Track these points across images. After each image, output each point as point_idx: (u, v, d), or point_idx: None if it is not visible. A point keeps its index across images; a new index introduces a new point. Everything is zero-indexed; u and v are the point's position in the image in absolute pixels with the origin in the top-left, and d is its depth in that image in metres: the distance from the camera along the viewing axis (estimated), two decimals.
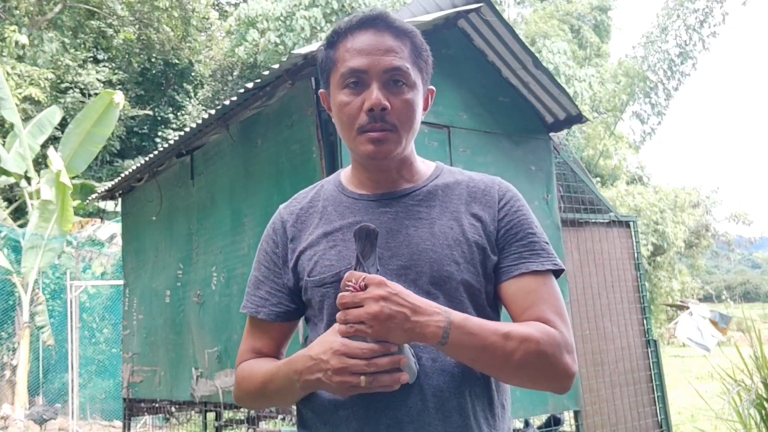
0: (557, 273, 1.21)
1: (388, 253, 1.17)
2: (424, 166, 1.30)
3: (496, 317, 1.23)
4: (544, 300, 1.15)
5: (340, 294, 1.03)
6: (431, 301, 1.12)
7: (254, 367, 1.24)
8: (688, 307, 11.73)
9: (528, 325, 1.11)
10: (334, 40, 1.22)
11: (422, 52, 1.23)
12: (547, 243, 1.22)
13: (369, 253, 1.06)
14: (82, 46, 15.69)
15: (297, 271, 1.24)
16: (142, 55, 16.88)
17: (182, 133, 4.59)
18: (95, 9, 15.85)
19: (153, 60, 16.91)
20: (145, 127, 15.77)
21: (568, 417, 4.65)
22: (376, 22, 1.19)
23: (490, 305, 1.21)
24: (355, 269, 1.06)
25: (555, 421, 4.38)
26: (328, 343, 1.06)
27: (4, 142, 10.92)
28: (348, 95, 1.18)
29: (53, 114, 10.79)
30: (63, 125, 11.45)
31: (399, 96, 1.17)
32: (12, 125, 10.23)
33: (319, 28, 14.23)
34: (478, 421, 1.14)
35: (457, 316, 1.06)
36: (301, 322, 1.33)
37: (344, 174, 1.32)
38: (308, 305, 1.25)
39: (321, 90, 1.29)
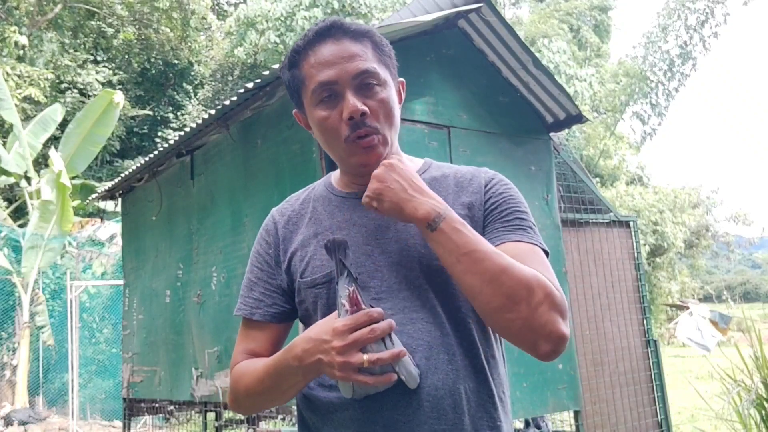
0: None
1: (377, 250, 1.17)
2: (412, 164, 1.30)
3: None
4: (532, 262, 1.11)
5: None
6: (424, 293, 1.14)
7: (250, 365, 1.22)
8: (688, 307, 11.72)
9: (525, 266, 1.08)
10: (296, 59, 1.22)
11: (384, 48, 1.23)
12: (534, 225, 1.21)
13: (343, 264, 1.06)
14: (82, 46, 15.69)
15: (290, 273, 1.25)
16: (141, 56, 16.88)
17: (182, 133, 4.59)
18: (95, 9, 15.85)
19: (153, 60, 16.91)
20: (145, 127, 15.78)
21: (568, 417, 4.65)
22: (332, 30, 1.20)
23: None
24: (338, 283, 1.06)
25: (536, 426, 4.37)
26: (329, 323, 1.05)
27: (4, 142, 10.92)
28: (325, 110, 1.18)
29: (55, 111, 10.78)
30: (63, 125, 11.45)
31: (374, 97, 1.17)
32: (12, 125, 10.24)
33: None
34: (474, 417, 1.13)
35: (452, 212, 1.09)
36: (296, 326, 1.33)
37: (334, 176, 1.33)
38: (301, 306, 1.25)
39: (294, 111, 1.29)
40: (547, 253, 1.18)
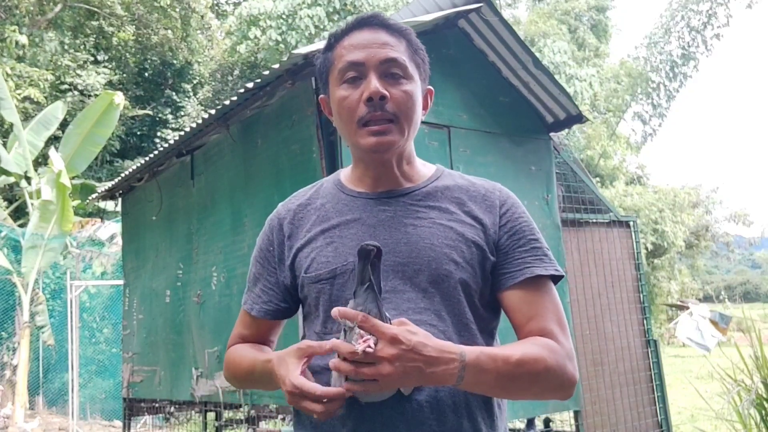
0: (556, 279, 1.22)
1: (385, 249, 1.15)
2: (425, 168, 1.30)
3: (492, 318, 1.23)
4: (547, 309, 1.17)
5: (349, 349, 0.98)
6: (429, 297, 1.14)
7: (241, 354, 1.29)
8: (688, 307, 11.71)
9: (534, 344, 1.12)
10: (331, 43, 1.24)
11: (418, 50, 1.24)
12: (548, 250, 1.24)
13: (369, 274, 1.02)
14: (82, 46, 15.68)
15: (294, 269, 1.25)
16: (138, 56, 16.86)
17: (181, 133, 4.60)
18: (95, 9, 15.84)
19: (150, 60, 16.87)
20: (145, 128, 15.75)
21: (568, 417, 4.65)
22: (371, 20, 1.21)
23: (485, 306, 1.21)
24: (355, 292, 1.03)
25: (528, 424, 4.35)
26: (286, 374, 1.08)
27: (5, 142, 10.91)
28: (346, 89, 1.18)
29: (57, 109, 10.75)
30: (63, 126, 11.44)
31: (397, 87, 1.17)
32: (12, 125, 10.23)
33: (322, 26, 14.23)
34: (474, 420, 1.14)
35: (471, 354, 1.04)
36: (299, 321, 1.33)
37: (344, 173, 1.32)
38: (304, 302, 1.25)
39: (321, 96, 1.29)
40: (559, 278, 1.22)
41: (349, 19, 1.24)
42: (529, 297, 1.17)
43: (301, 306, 1.30)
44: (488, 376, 1.05)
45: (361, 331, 0.99)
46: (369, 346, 0.98)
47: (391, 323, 1.03)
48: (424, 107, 1.26)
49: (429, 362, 1.00)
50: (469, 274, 1.17)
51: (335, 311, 1.01)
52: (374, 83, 1.15)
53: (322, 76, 1.26)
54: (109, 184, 6.19)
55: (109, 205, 9.47)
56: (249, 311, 1.32)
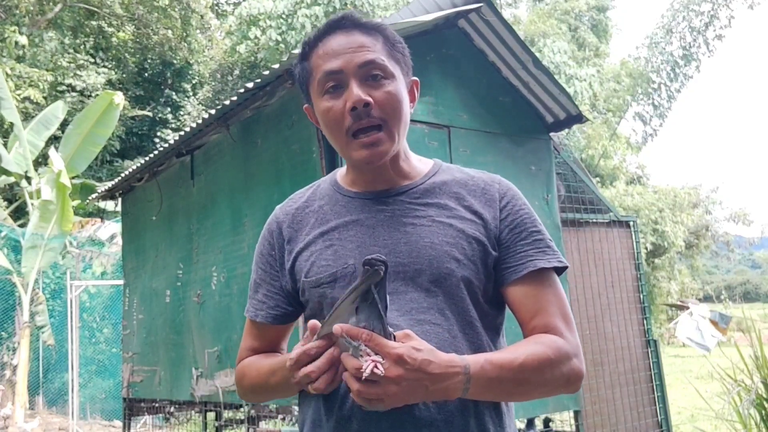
0: (559, 271, 1.20)
1: (385, 251, 1.15)
2: (422, 164, 1.28)
3: (496, 314, 1.22)
4: (551, 303, 1.16)
5: (356, 365, 0.97)
6: (432, 296, 1.12)
7: (254, 364, 1.26)
8: (688, 307, 11.70)
9: (537, 343, 1.11)
10: (306, 52, 1.21)
11: (396, 44, 1.21)
12: (551, 240, 1.22)
13: (373, 290, 0.99)
14: (82, 47, 15.68)
15: (294, 273, 1.24)
16: (138, 56, 16.85)
17: (181, 133, 4.60)
18: (95, 9, 15.84)
19: (150, 60, 16.86)
20: (145, 128, 15.75)
21: (568, 417, 4.65)
22: (343, 22, 1.19)
23: (489, 302, 1.20)
24: (357, 308, 1.01)
25: (528, 424, 4.35)
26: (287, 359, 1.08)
27: (5, 141, 10.90)
28: (329, 100, 1.16)
29: (57, 108, 10.74)
30: (63, 125, 11.44)
31: (380, 89, 1.14)
32: (12, 125, 10.23)
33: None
34: (482, 420, 1.13)
35: (475, 366, 1.03)
36: (301, 321, 1.33)
37: (340, 173, 1.30)
38: (307, 306, 1.24)
39: (305, 106, 1.27)
40: (563, 269, 1.20)
41: (323, 24, 1.22)
42: (533, 291, 1.16)
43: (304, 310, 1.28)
44: (493, 385, 1.05)
45: (367, 349, 0.98)
46: (376, 367, 0.97)
47: (394, 335, 1.01)
48: (412, 100, 1.24)
49: (434, 380, 0.99)
50: (472, 271, 1.15)
51: (337, 328, 0.99)
52: (356, 91, 1.12)
53: (302, 86, 1.24)
54: (109, 184, 6.19)
55: (109, 205, 9.47)
56: (254, 318, 1.28)
